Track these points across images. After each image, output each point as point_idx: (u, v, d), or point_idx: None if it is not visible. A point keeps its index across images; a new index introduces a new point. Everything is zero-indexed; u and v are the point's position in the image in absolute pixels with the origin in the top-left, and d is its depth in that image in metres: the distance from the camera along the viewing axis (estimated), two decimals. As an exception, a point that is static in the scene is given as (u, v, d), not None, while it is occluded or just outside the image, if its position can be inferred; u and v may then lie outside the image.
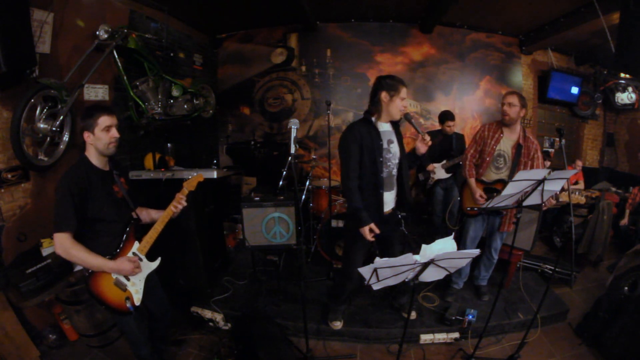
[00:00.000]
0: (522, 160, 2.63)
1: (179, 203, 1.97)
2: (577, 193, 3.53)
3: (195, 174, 2.58)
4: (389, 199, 2.36)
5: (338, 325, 2.70)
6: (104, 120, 1.74)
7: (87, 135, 1.75)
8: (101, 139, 1.75)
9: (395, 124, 2.38)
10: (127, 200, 1.92)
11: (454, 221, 3.95)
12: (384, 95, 2.21)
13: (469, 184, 2.77)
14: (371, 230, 2.21)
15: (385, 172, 2.30)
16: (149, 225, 1.98)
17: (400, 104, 2.23)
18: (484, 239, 2.96)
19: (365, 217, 2.20)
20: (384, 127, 2.32)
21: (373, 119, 2.29)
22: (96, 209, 1.74)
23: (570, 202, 2.36)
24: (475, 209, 2.74)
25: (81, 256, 1.66)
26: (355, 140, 2.24)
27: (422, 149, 2.28)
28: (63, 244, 1.63)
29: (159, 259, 1.99)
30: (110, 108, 1.89)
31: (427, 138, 2.24)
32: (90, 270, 1.73)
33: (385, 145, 2.28)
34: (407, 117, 2.28)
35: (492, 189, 2.70)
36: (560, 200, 3.47)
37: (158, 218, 1.98)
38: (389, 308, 2.90)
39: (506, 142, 2.67)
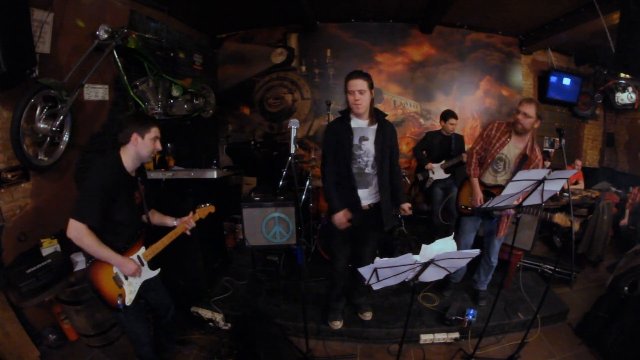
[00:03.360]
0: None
1: (189, 224, 2.16)
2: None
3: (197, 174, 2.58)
4: (363, 196, 2.36)
5: (338, 325, 2.70)
6: (156, 131, 1.89)
7: (135, 138, 1.83)
8: (148, 146, 1.87)
9: (381, 123, 2.33)
10: (144, 206, 2.03)
11: (450, 219, 3.96)
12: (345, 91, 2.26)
13: (472, 184, 2.72)
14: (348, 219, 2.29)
15: (355, 168, 2.32)
16: (159, 233, 2.06)
17: (349, 97, 2.24)
18: (481, 238, 2.93)
19: (336, 202, 2.30)
20: (359, 123, 2.31)
21: (351, 115, 2.32)
22: (116, 211, 1.81)
23: (570, 202, 2.35)
24: (469, 208, 2.73)
25: (93, 245, 1.71)
26: (331, 136, 2.34)
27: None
28: (78, 230, 1.67)
29: (159, 269, 2.07)
30: (159, 122, 2.05)
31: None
32: (93, 258, 1.78)
33: (355, 142, 2.29)
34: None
35: (490, 192, 2.68)
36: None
37: (165, 223, 2.14)
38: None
39: (511, 149, 2.59)
